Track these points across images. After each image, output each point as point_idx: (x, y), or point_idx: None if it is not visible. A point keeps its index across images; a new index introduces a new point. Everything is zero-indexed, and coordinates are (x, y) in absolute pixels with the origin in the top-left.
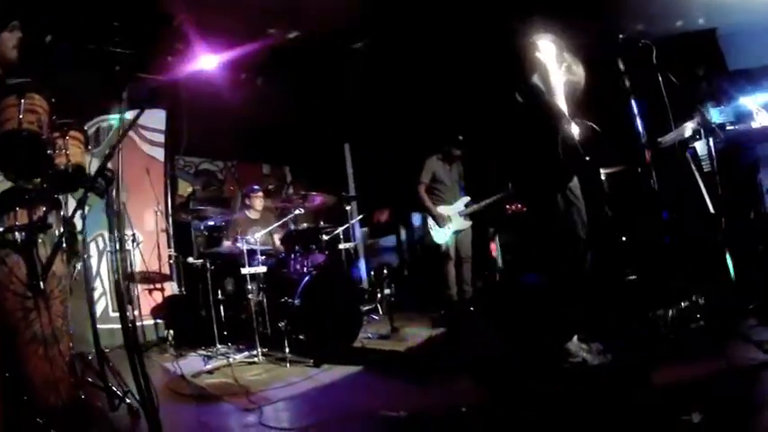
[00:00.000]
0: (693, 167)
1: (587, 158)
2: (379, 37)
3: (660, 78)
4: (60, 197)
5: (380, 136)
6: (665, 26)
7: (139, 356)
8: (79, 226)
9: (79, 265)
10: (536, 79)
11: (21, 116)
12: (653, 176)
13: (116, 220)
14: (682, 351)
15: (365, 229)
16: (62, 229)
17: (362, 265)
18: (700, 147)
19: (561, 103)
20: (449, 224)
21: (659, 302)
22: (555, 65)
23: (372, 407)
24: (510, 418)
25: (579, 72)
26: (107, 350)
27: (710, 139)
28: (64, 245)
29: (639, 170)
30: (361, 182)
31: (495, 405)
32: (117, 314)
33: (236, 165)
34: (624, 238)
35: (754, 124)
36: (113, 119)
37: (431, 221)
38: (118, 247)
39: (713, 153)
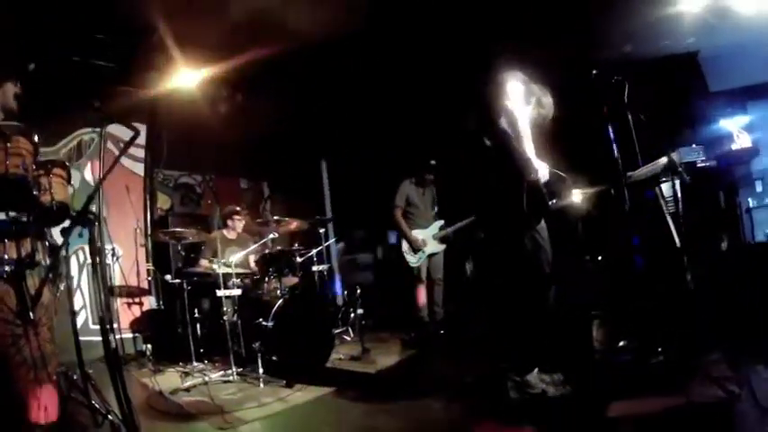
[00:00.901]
0: (662, 203)
1: (551, 203)
2: (359, 54)
3: (630, 116)
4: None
5: (357, 154)
6: (649, 48)
7: (122, 380)
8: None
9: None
10: (503, 123)
11: (7, 161)
12: (626, 201)
13: (99, 258)
14: (642, 385)
15: (342, 244)
16: (48, 262)
17: (338, 282)
18: (665, 188)
19: (529, 145)
20: (423, 248)
21: (623, 334)
22: (523, 105)
23: (340, 430)
24: None
25: (548, 102)
26: (88, 365)
27: (677, 182)
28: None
29: (613, 192)
30: (338, 198)
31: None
32: (97, 326)
33: (214, 179)
34: (600, 257)
35: (734, 146)
36: (95, 131)
37: (405, 245)
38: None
39: (678, 195)
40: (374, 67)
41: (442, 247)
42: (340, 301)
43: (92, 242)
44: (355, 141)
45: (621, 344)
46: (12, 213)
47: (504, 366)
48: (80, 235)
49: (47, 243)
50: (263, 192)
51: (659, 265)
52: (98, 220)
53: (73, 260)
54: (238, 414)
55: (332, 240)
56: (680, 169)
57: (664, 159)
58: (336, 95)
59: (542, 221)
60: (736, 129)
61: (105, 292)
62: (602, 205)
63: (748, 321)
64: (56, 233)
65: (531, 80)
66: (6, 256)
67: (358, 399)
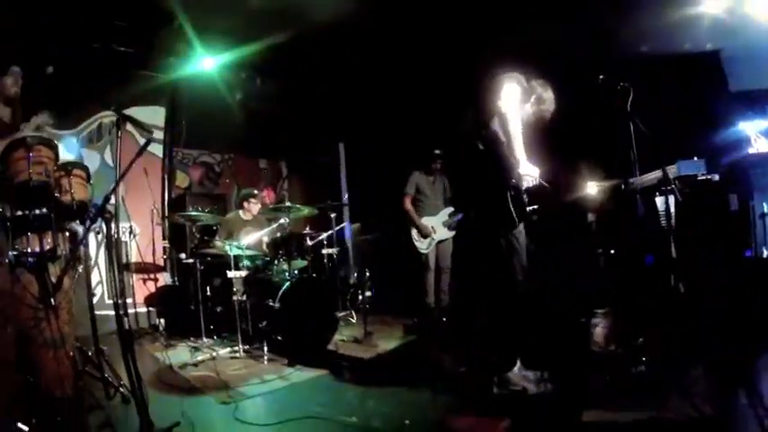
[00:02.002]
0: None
1: (532, 210)
2: (380, 38)
3: (631, 125)
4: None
5: (374, 138)
6: (670, 47)
7: (133, 357)
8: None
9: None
10: (495, 126)
11: (30, 169)
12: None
13: (114, 253)
14: (620, 392)
15: (357, 225)
16: (68, 251)
17: (351, 261)
18: (659, 202)
19: (519, 150)
20: (432, 234)
21: (619, 337)
22: (518, 107)
23: (331, 410)
24: None
25: (549, 98)
26: (103, 338)
27: (670, 197)
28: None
29: (624, 187)
30: (355, 180)
31: (438, 418)
32: (111, 302)
33: (233, 158)
34: (612, 251)
35: (751, 150)
36: (111, 116)
37: (415, 233)
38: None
39: (671, 210)
40: (394, 53)
41: (451, 234)
42: (351, 280)
43: (108, 238)
44: (372, 126)
45: (612, 348)
46: (35, 211)
47: (492, 361)
48: None
49: (67, 234)
50: (281, 171)
51: (665, 266)
52: (116, 218)
53: (91, 237)
54: (241, 389)
55: (346, 222)
56: (672, 186)
57: (659, 172)
58: (355, 80)
59: (520, 226)
60: (754, 132)
61: (119, 284)
62: (616, 199)
63: (740, 335)
64: None
65: (530, 76)
66: (30, 249)
67: (353, 381)
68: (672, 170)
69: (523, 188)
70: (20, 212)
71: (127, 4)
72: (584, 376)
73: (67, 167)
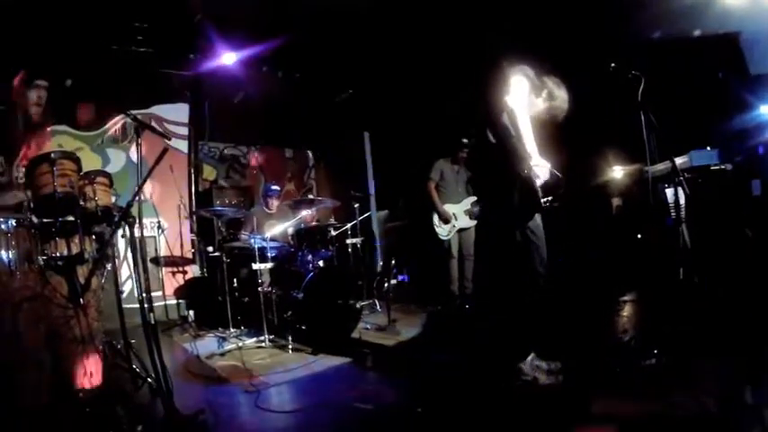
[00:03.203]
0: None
1: (547, 201)
2: (405, 27)
3: (642, 114)
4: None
5: (399, 127)
6: (687, 29)
7: (158, 350)
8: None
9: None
10: (505, 119)
11: (55, 182)
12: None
13: (138, 255)
14: (629, 385)
15: (385, 212)
16: (95, 253)
17: (378, 249)
18: (669, 193)
19: (530, 143)
20: (453, 222)
21: (631, 328)
22: (527, 100)
23: (349, 397)
24: (456, 423)
25: (561, 96)
26: (131, 331)
27: (679, 189)
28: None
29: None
30: (382, 168)
31: (447, 408)
32: (144, 296)
33: (259, 149)
34: (639, 236)
35: None
36: (137, 114)
37: (436, 218)
38: (142, 273)
39: (680, 203)
40: (420, 41)
41: (473, 222)
42: (379, 267)
43: (132, 242)
44: (398, 115)
45: (626, 338)
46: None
47: (508, 351)
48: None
49: (93, 237)
50: (307, 161)
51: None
52: (140, 220)
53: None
54: (265, 378)
55: (372, 210)
56: (680, 178)
57: (668, 163)
58: (380, 68)
59: (537, 219)
60: None
61: (145, 281)
62: (641, 183)
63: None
64: None
65: (543, 72)
66: (58, 253)
67: (374, 369)
68: (684, 161)
69: (536, 180)
70: (46, 221)
71: (145, 5)
72: (596, 368)
73: (90, 176)
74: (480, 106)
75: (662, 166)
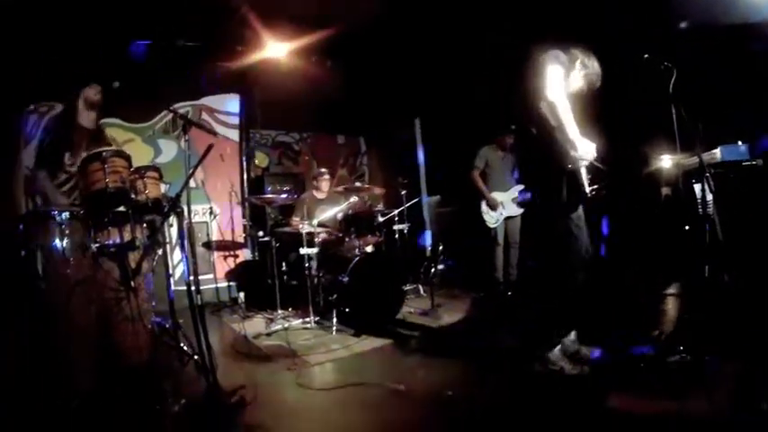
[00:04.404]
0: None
1: (592, 190)
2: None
3: (673, 107)
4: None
5: (451, 112)
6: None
7: (204, 329)
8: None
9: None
10: (544, 110)
11: (107, 179)
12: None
13: (187, 243)
14: (650, 381)
15: (437, 197)
16: (146, 240)
17: (428, 234)
18: (697, 188)
19: (572, 130)
20: (501, 209)
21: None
22: (563, 86)
23: (384, 377)
24: (479, 407)
25: (593, 65)
26: (181, 312)
27: (706, 185)
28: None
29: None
30: (434, 153)
31: (477, 392)
32: (191, 278)
33: (311, 136)
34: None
35: None
36: (188, 105)
37: (484, 205)
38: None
39: (707, 199)
40: (468, 26)
41: (520, 210)
42: (428, 252)
43: (180, 231)
44: (449, 100)
45: (657, 333)
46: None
47: (543, 339)
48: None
49: (144, 225)
50: (359, 147)
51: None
52: (188, 212)
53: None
54: (307, 358)
55: (423, 195)
56: (707, 174)
57: (696, 158)
58: (431, 54)
59: (579, 210)
60: None
61: (193, 266)
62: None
63: None
64: None
65: (568, 46)
66: (111, 241)
67: (411, 351)
68: (713, 156)
69: (580, 171)
70: (98, 213)
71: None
72: (622, 361)
73: (141, 171)
74: (519, 99)
75: (689, 161)
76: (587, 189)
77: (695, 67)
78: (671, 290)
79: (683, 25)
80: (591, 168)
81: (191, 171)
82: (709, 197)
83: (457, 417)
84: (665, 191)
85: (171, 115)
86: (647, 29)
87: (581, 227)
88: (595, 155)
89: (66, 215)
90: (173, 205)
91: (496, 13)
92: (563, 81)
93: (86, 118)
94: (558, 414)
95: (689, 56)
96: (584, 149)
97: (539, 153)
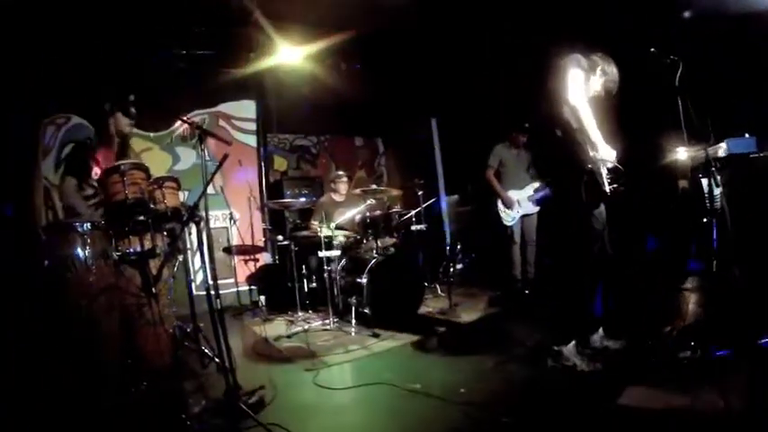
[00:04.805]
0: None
1: (612, 189)
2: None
3: (680, 101)
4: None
5: (467, 112)
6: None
7: (224, 332)
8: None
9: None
10: (567, 114)
11: (126, 190)
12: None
13: (205, 248)
14: (661, 377)
15: (455, 196)
16: (167, 247)
17: (447, 232)
18: (704, 183)
19: (595, 134)
20: (517, 207)
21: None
22: (584, 89)
23: (402, 377)
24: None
25: (611, 71)
26: (202, 315)
27: (712, 180)
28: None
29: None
30: (451, 153)
31: (487, 389)
32: (211, 283)
33: (329, 139)
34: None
35: None
36: (204, 113)
37: (500, 204)
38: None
39: (714, 194)
40: (485, 26)
41: (536, 208)
42: (447, 250)
43: (199, 239)
44: (465, 100)
45: (669, 328)
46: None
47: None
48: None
49: (165, 233)
50: (377, 148)
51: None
52: (206, 221)
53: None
54: (325, 358)
55: (442, 195)
56: (713, 168)
57: (703, 153)
58: (447, 55)
59: (601, 207)
60: None
61: (212, 271)
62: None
63: None
64: None
65: (589, 51)
66: (132, 249)
67: (430, 351)
68: (719, 149)
69: (600, 171)
70: (119, 223)
71: (202, 9)
72: (634, 356)
73: (159, 181)
74: (541, 101)
75: (697, 155)
76: (607, 188)
77: (701, 58)
78: (688, 284)
79: (686, 14)
80: (611, 169)
81: (207, 181)
82: (717, 191)
83: (474, 416)
84: (682, 183)
85: (186, 125)
86: (654, 22)
87: (602, 222)
88: (614, 160)
89: (87, 225)
90: (191, 214)
91: (509, 13)
92: (583, 85)
93: (112, 140)
94: (571, 411)
95: (694, 48)
96: (605, 153)
97: (562, 153)
